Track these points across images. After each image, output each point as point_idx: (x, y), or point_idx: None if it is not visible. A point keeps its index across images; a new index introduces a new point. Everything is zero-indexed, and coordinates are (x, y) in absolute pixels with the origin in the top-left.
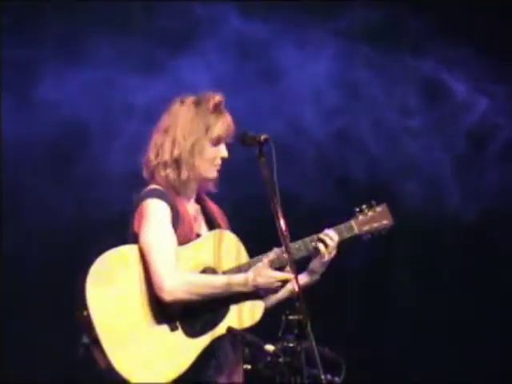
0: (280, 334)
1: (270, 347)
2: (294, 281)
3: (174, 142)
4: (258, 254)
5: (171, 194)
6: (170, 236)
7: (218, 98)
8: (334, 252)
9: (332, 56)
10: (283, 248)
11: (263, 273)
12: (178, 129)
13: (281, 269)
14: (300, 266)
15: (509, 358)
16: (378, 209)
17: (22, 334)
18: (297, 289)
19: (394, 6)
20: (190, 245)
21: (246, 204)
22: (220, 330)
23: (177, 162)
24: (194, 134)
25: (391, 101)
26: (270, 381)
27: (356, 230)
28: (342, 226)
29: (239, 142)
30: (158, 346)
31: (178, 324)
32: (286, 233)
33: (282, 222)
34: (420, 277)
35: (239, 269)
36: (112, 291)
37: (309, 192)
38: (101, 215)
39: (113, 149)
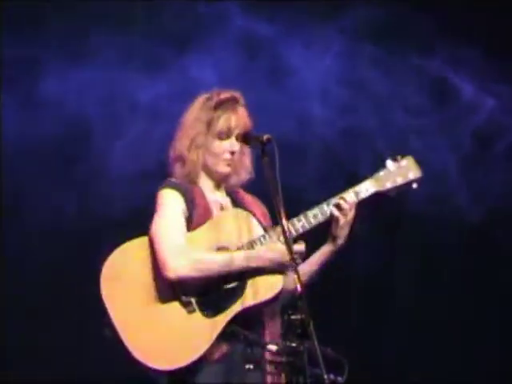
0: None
1: (272, 347)
2: (298, 280)
3: (179, 138)
4: None
5: (186, 184)
6: (177, 220)
7: (224, 94)
8: (350, 214)
9: (337, 54)
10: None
11: (271, 246)
12: (184, 124)
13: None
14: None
15: (509, 357)
16: (403, 163)
17: (22, 334)
18: (299, 288)
19: (401, 5)
20: (203, 227)
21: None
22: (237, 307)
23: (181, 157)
24: (194, 129)
25: (398, 100)
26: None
27: (377, 187)
28: (361, 185)
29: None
30: (178, 330)
31: (194, 306)
32: (287, 232)
33: (285, 222)
34: (420, 277)
35: (251, 244)
36: (124, 284)
37: (318, 189)
38: (103, 215)
39: (115, 148)
